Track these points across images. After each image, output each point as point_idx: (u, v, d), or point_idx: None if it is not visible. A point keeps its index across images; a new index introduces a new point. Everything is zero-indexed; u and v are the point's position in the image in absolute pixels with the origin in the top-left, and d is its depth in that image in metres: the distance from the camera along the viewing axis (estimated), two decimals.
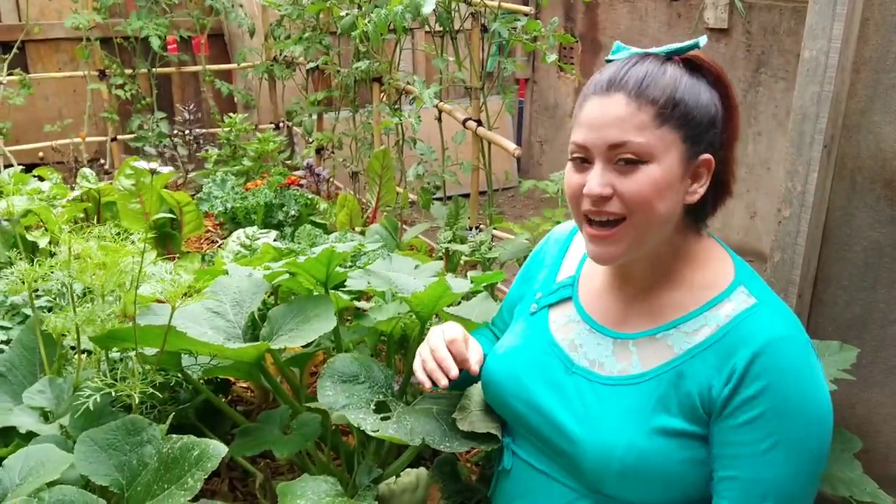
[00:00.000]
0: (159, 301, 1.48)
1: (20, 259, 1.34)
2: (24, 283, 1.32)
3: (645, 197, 0.98)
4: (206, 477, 1.09)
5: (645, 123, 0.98)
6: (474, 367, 1.18)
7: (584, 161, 1.02)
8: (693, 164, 1.02)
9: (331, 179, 3.46)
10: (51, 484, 1.07)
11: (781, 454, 0.96)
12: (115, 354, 1.46)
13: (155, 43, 3.74)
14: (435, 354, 1.17)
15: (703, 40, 1.04)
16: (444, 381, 1.15)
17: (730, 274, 1.06)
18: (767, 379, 0.96)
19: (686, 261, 1.08)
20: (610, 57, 1.07)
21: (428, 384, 1.16)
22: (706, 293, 1.05)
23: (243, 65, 4.07)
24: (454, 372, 1.15)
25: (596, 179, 0.99)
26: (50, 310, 1.61)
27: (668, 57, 1.03)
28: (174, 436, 1.17)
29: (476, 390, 1.27)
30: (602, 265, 1.09)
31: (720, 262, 1.08)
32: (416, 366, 1.19)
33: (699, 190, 1.03)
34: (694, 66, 1.03)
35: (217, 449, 1.13)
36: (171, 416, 1.29)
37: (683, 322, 1.04)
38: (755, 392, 0.96)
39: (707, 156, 1.02)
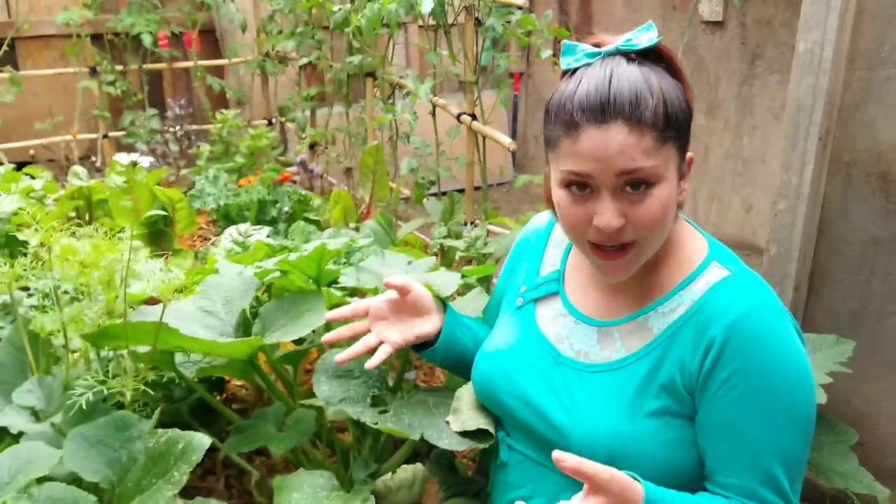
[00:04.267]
0: (152, 300, 1.47)
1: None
2: (7, 284, 1.30)
3: (657, 219, 0.98)
4: (191, 470, 1.08)
5: (649, 148, 0.95)
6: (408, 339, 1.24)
7: (582, 188, 0.99)
8: (683, 167, 1.04)
9: (324, 175, 3.45)
10: (40, 481, 1.06)
11: (778, 422, 0.98)
12: (107, 353, 1.44)
13: (147, 40, 3.71)
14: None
15: (654, 31, 1.01)
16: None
17: (703, 251, 1.09)
18: (746, 351, 0.97)
19: (664, 245, 1.09)
20: (566, 62, 1.01)
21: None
22: (682, 272, 1.07)
23: (235, 60, 4.04)
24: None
25: (610, 212, 0.97)
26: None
27: (628, 55, 0.99)
28: (160, 430, 1.16)
29: (467, 391, 1.27)
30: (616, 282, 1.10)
31: (693, 241, 1.10)
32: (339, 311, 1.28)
33: (686, 187, 1.06)
34: (653, 56, 1.00)
35: (201, 441, 1.12)
36: (158, 410, 1.28)
37: (661, 303, 1.06)
38: (736, 367, 0.97)
39: (691, 154, 1.04)
